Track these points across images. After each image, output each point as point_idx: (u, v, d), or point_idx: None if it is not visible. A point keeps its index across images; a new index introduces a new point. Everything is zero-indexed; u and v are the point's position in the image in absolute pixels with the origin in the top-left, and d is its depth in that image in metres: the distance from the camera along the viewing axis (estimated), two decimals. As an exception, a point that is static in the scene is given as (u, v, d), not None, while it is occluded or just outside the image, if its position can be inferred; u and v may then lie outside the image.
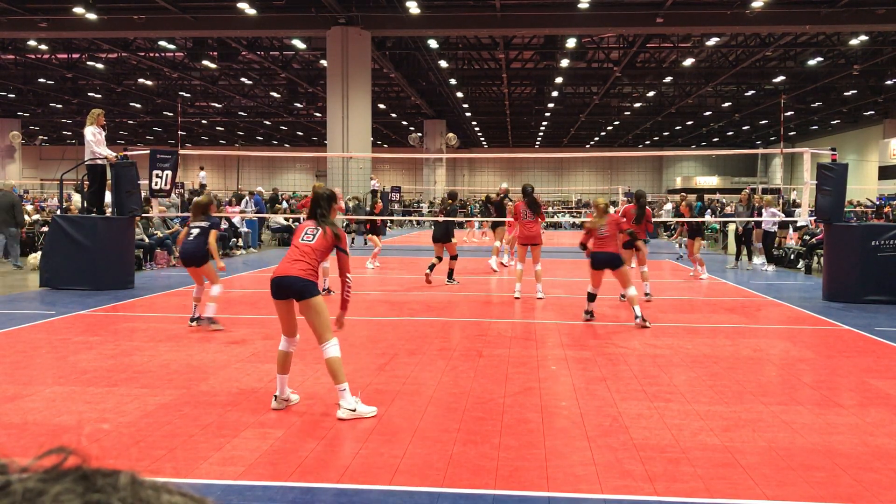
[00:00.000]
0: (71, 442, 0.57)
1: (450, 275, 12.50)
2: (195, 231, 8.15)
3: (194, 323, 8.14)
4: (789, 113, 41.28)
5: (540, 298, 10.62)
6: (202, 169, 30.74)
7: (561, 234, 31.57)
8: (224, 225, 19.44)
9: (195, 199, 8.24)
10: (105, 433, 4.51)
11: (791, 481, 3.86)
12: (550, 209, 41.26)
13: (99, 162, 11.63)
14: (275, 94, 38.76)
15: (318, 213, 5.22)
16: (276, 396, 5.11)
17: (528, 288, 10.94)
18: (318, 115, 42.22)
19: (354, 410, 4.86)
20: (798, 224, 17.19)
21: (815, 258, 15.22)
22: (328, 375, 5.04)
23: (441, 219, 12.87)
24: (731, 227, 18.46)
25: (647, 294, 10.57)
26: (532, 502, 3.60)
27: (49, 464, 0.53)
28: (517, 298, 10.62)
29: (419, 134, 41.35)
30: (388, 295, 11.35)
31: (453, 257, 12.47)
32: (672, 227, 25.73)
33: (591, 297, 8.94)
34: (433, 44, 26.62)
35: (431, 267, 12.33)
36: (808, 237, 16.35)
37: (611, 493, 3.68)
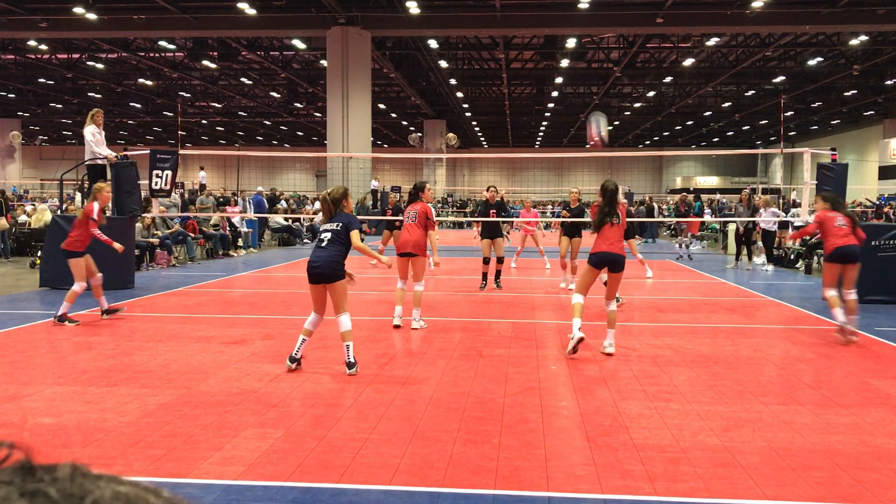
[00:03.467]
0: (14, 436, 0.57)
1: (497, 276, 11.94)
2: (327, 236, 6.34)
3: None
4: (789, 113, 41.28)
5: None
6: (202, 169, 30.75)
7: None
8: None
9: (323, 193, 6.49)
10: (106, 433, 4.51)
11: (791, 481, 3.86)
12: (549, 208, 41.21)
13: (99, 162, 11.63)
14: (275, 94, 38.76)
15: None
16: (575, 332, 6.62)
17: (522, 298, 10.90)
18: (318, 115, 42.23)
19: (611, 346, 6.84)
20: (796, 224, 17.20)
21: (815, 258, 15.21)
22: (327, 375, 5.05)
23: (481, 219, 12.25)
24: (731, 227, 18.46)
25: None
26: (532, 502, 3.60)
27: None
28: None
29: (419, 134, 41.34)
30: (388, 295, 11.35)
31: (500, 259, 11.89)
32: (672, 226, 25.73)
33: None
34: (433, 44, 26.62)
35: (487, 276, 11.77)
36: (808, 237, 16.34)
37: (611, 493, 3.68)
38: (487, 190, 12.76)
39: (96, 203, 8.67)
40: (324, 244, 6.22)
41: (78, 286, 8.45)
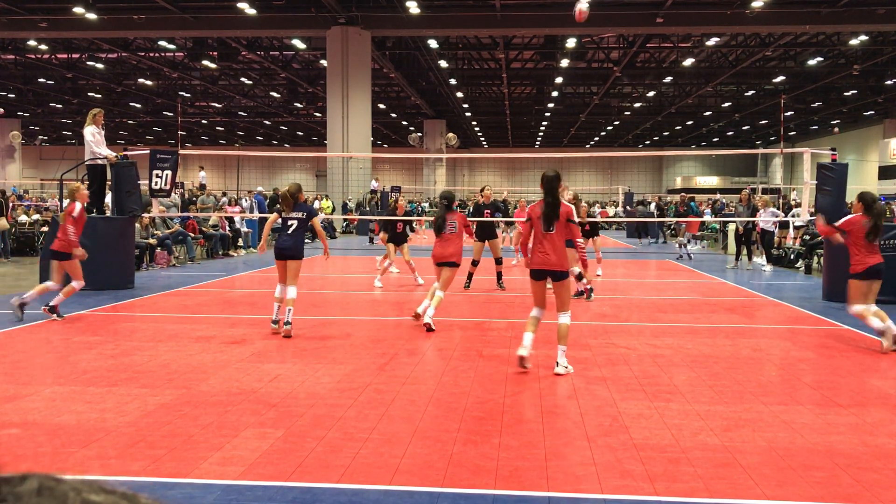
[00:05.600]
0: None
1: (499, 277, 11.87)
2: (293, 224, 7.89)
3: (276, 325, 7.85)
4: (789, 113, 41.29)
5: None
6: (202, 169, 30.73)
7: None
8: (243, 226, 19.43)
9: (283, 190, 8.05)
10: (106, 433, 4.51)
11: (791, 481, 3.86)
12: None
13: (99, 162, 11.63)
14: (275, 94, 38.77)
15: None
16: (524, 346, 6.10)
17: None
18: (318, 115, 42.24)
19: (567, 367, 6.03)
20: (795, 224, 17.22)
21: (815, 258, 15.22)
22: (327, 375, 5.05)
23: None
24: (731, 227, 18.46)
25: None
26: (532, 502, 3.60)
27: None
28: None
29: (419, 134, 41.36)
30: (388, 295, 11.35)
31: (498, 260, 11.87)
32: (672, 226, 25.74)
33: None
34: (433, 44, 26.63)
35: (472, 276, 11.71)
36: (807, 237, 16.35)
37: (611, 493, 3.68)
38: (482, 191, 12.67)
39: (78, 203, 8.73)
40: (290, 231, 7.80)
41: (76, 283, 8.54)
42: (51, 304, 8.43)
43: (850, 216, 7.82)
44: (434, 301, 8.21)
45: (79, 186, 9.09)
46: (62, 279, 8.66)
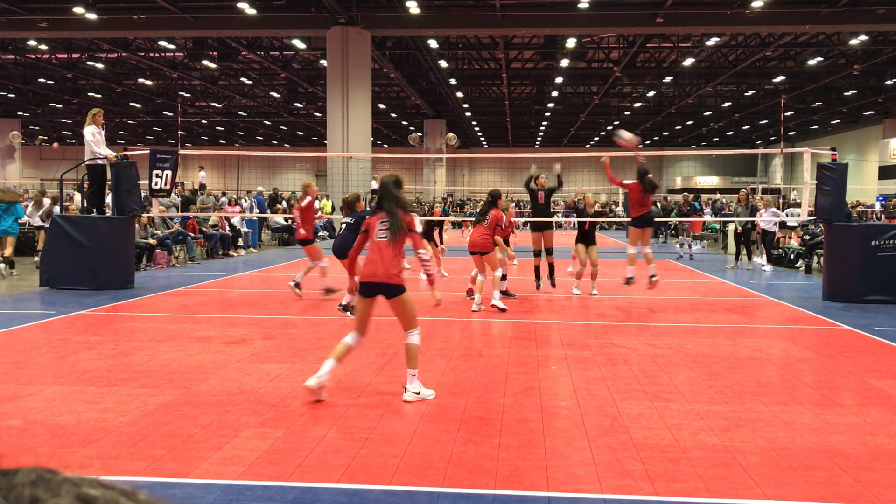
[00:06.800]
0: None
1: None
2: (344, 226, 9.43)
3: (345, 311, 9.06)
4: (789, 113, 41.28)
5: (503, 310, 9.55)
6: (202, 169, 30.73)
7: (558, 235, 31.51)
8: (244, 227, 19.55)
9: (344, 197, 9.61)
10: (106, 433, 4.51)
11: (791, 481, 3.86)
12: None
13: (99, 162, 11.63)
14: (275, 94, 38.76)
15: (385, 204, 5.45)
16: (318, 375, 5.19)
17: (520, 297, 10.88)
18: (318, 115, 42.23)
19: (419, 394, 5.31)
20: (789, 224, 17.22)
21: (815, 258, 15.22)
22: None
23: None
24: (731, 227, 18.46)
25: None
26: (532, 502, 3.60)
27: None
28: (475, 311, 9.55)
29: (419, 134, 41.35)
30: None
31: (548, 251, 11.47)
32: (672, 226, 25.73)
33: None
34: (433, 44, 26.62)
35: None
36: (807, 237, 16.35)
37: (611, 493, 3.68)
38: (537, 179, 12.13)
39: (308, 196, 10.59)
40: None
41: (322, 264, 10.45)
42: (297, 280, 10.42)
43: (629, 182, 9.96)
44: (495, 282, 9.54)
45: (310, 182, 10.73)
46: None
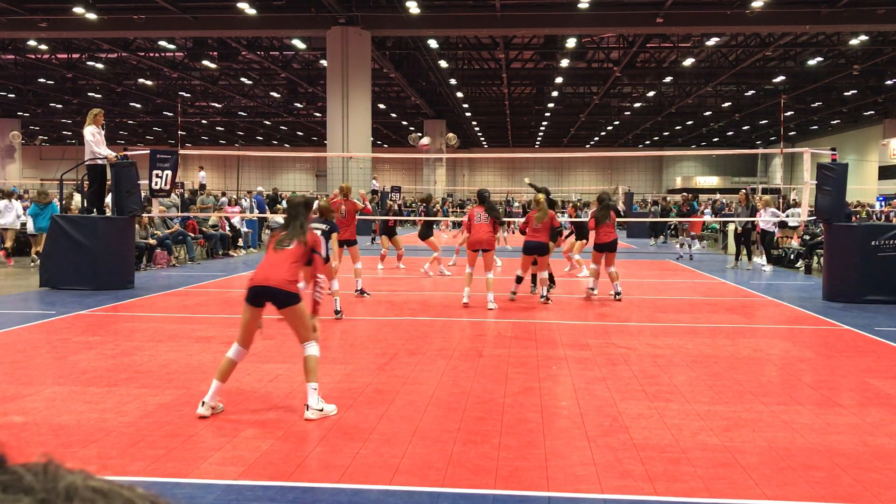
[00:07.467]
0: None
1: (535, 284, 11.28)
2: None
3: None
4: (789, 113, 41.28)
5: (490, 309, 9.64)
6: (202, 169, 30.72)
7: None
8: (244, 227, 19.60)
9: (320, 203, 8.97)
10: (106, 433, 4.51)
11: (791, 481, 3.86)
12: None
13: (99, 162, 11.63)
14: (275, 94, 38.75)
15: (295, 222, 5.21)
16: (203, 402, 4.87)
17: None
18: (318, 115, 42.22)
19: (321, 410, 4.89)
20: (790, 224, 17.22)
21: (815, 258, 15.21)
22: (327, 376, 5.06)
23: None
24: (731, 227, 18.46)
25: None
26: (532, 502, 3.60)
27: None
28: (465, 304, 9.88)
29: (419, 134, 41.32)
30: (388, 295, 11.35)
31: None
32: (672, 227, 25.73)
33: (519, 280, 10.32)
34: (433, 44, 26.62)
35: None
36: (807, 237, 16.35)
37: (611, 493, 3.68)
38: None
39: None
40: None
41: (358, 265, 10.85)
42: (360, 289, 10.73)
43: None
44: (487, 285, 9.75)
45: (349, 187, 11.21)
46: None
